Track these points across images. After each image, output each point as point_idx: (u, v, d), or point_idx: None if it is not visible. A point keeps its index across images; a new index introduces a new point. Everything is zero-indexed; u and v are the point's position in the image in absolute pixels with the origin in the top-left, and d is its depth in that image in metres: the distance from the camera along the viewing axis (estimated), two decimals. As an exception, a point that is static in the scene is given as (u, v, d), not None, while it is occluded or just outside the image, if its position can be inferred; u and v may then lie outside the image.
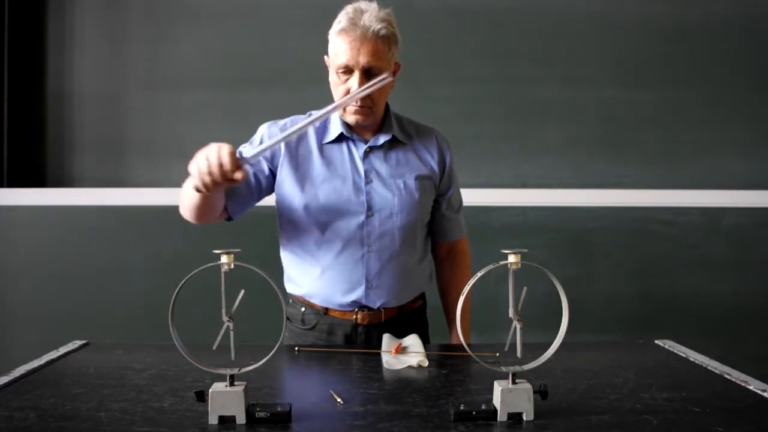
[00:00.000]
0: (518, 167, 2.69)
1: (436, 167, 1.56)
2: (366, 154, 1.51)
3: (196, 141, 2.78)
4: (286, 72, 2.61)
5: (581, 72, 2.68)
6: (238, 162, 1.21)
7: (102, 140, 2.70)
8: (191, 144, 2.95)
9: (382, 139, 1.51)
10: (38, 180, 2.70)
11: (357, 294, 1.48)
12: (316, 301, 1.53)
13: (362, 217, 1.47)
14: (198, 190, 1.25)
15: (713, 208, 2.66)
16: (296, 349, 1.42)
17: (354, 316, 1.50)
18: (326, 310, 1.52)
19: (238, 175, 1.20)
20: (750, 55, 2.69)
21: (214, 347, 0.93)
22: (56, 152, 2.70)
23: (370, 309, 1.50)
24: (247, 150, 1.43)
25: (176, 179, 2.63)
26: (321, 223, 1.48)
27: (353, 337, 1.52)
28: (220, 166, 1.19)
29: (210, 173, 1.19)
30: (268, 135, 1.52)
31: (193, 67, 2.67)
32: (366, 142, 1.52)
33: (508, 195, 2.64)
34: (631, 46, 2.68)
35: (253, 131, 1.57)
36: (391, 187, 1.49)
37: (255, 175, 1.49)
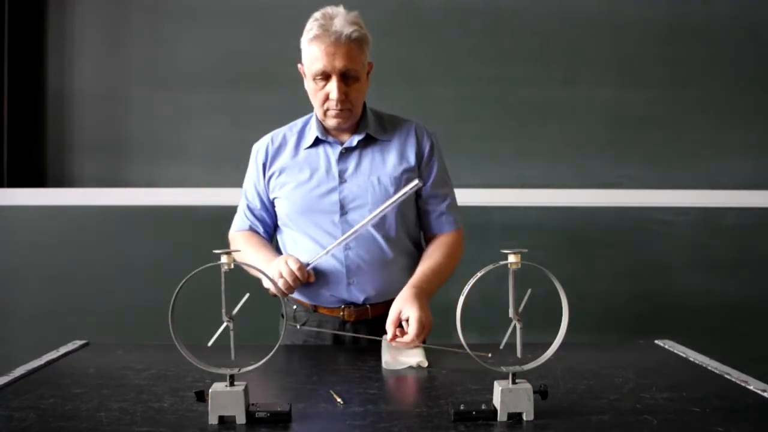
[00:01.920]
0: (518, 167, 2.68)
1: (414, 159, 1.55)
2: (341, 155, 1.53)
3: (196, 141, 2.81)
4: (286, 72, 2.59)
5: (581, 72, 2.68)
6: (305, 269, 1.44)
7: (102, 140, 2.69)
8: (191, 144, 2.97)
9: (356, 139, 1.53)
10: (38, 180, 2.70)
11: (339, 290, 1.51)
12: (304, 299, 1.56)
13: (337, 216, 1.50)
14: (274, 295, 1.45)
15: (713, 208, 2.66)
16: (299, 326, 1.51)
17: (341, 313, 1.53)
18: (315, 308, 1.56)
19: (311, 280, 1.46)
20: (750, 55, 2.69)
21: (209, 344, 0.94)
22: (56, 152, 2.70)
23: (356, 305, 1.52)
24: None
25: (176, 179, 2.67)
26: (299, 224, 1.54)
27: (342, 334, 1.54)
28: (296, 279, 1.42)
29: (288, 288, 1.43)
30: (257, 154, 1.60)
31: (193, 67, 2.67)
32: (342, 143, 1.54)
33: (508, 195, 2.64)
34: (631, 46, 2.68)
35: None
36: (365, 184, 1.51)
37: (267, 210, 1.61)
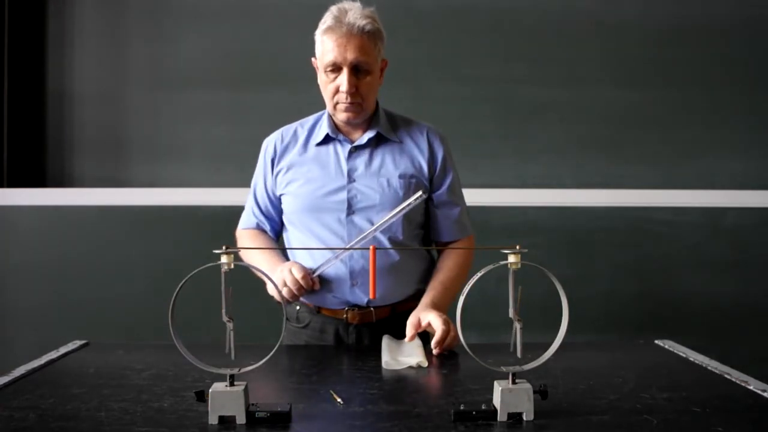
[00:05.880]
0: (518, 167, 2.68)
1: (425, 164, 1.54)
2: (351, 154, 1.52)
3: (196, 141, 2.82)
4: (286, 72, 2.61)
5: (581, 72, 2.68)
6: (310, 276, 1.45)
7: (102, 140, 2.70)
8: (191, 144, 2.97)
9: (367, 137, 1.52)
10: (38, 180, 2.70)
11: (343, 291, 1.50)
12: (309, 299, 1.55)
13: (343, 216, 1.49)
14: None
15: (713, 208, 2.66)
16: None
17: (345, 315, 1.51)
18: (318, 309, 1.54)
19: (315, 287, 1.46)
20: (750, 55, 2.69)
21: (227, 350, 0.93)
22: (56, 152, 2.70)
23: (360, 307, 1.51)
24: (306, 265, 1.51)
25: (176, 179, 2.67)
26: (304, 222, 1.53)
27: (344, 336, 1.53)
28: (300, 288, 1.43)
29: (292, 297, 1.44)
30: (266, 149, 1.60)
31: (193, 67, 2.67)
32: (352, 142, 1.53)
33: (508, 195, 2.64)
34: (631, 46, 2.68)
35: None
36: (374, 185, 1.50)
37: (275, 207, 1.60)
